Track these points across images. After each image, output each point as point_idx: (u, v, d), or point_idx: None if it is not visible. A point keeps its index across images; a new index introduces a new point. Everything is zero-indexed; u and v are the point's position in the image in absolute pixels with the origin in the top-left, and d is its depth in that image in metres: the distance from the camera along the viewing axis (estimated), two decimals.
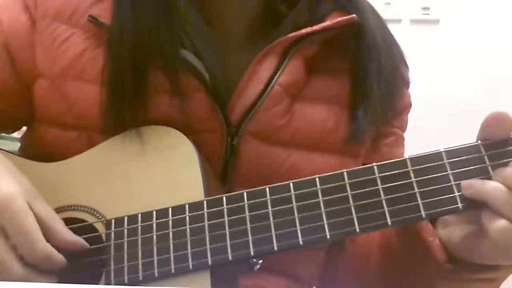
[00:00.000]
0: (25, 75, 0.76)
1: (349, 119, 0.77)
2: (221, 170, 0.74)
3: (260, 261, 0.65)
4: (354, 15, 0.75)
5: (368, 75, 0.77)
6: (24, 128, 0.85)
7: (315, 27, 0.74)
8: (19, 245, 0.60)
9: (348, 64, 0.79)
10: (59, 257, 0.63)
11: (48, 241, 0.62)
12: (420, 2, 2.18)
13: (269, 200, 0.63)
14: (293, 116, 0.75)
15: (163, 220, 0.65)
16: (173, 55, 0.71)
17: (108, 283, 0.64)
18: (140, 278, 0.63)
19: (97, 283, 0.65)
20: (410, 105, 0.86)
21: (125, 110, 0.71)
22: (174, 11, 0.73)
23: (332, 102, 0.78)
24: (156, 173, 0.68)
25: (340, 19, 0.75)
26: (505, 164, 0.59)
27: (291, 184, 0.63)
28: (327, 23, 0.74)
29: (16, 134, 0.89)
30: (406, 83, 0.85)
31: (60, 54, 0.74)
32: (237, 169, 0.74)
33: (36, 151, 0.73)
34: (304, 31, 0.74)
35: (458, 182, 0.60)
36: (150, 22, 0.72)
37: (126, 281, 0.64)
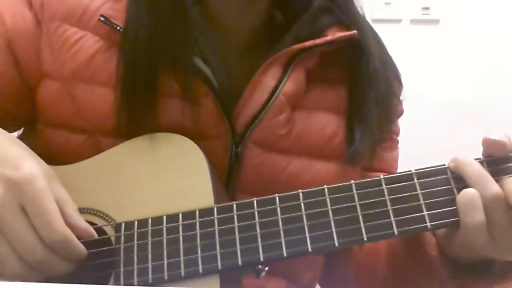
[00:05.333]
0: (29, 75, 0.76)
1: (346, 126, 0.80)
2: (225, 177, 0.76)
3: (266, 268, 0.66)
4: (355, 31, 0.77)
5: (366, 92, 0.79)
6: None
7: (318, 41, 0.76)
8: (38, 226, 0.61)
9: (344, 75, 0.81)
10: (78, 243, 0.63)
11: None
12: (420, 2, 2.18)
13: (278, 208, 0.64)
14: (293, 124, 0.77)
15: (173, 224, 0.65)
16: (186, 60, 0.72)
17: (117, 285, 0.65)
18: (150, 280, 0.64)
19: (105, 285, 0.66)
20: (403, 111, 0.89)
21: (137, 112, 0.72)
22: (187, 19, 0.74)
23: (329, 110, 0.80)
24: (166, 179, 0.69)
25: (342, 34, 0.77)
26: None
27: (300, 194, 0.65)
28: (329, 37, 0.77)
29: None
30: (399, 100, 0.87)
31: (70, 56, 0.75)
32: (240, 176, 0.76)
33: (40, 153, 0.73)
34: (307, 43, 0.75)
35: None
36: (166, 27, 0.72)
37: (135, 283, 0.64)
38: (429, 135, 1.94)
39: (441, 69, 2.12)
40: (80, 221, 0.65)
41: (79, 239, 0.64)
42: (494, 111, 2.05)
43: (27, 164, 0.63)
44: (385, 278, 0.79)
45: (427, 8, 2.19)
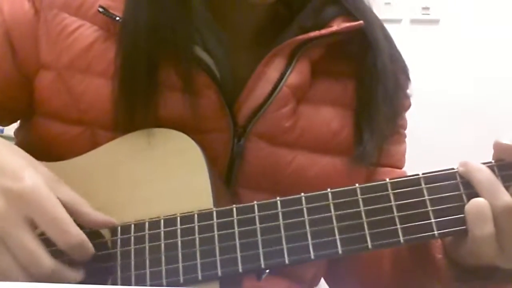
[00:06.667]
0: (26, 66, 0.75)
1: (353, 121, 0.78)
2: (226, 171, 0.74)
3: (267, 271, 0.64)
4: (361, 22, 0.75)
5: (374, 89, 0.77)
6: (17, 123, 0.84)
7: (323, 31, 0.74)
8: (51, 234, 0.59)
9: (351, 68, 0.79)
10: (90, 245, 0.61)
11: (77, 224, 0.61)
12: (420, 2, 2.18)
13: (280, 213, 0.62)
14: (298, 118, 0.76)
15: (171, 228, 0.64)
16: (187, 50, 0.71)
17: None
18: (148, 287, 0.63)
19: None
20: (410, 105, 0.88)
21: (136, 104, 0.70)
22: (189, 8, 0.72)
23: (336, 104, 0.78)
24: (163, 178, 0.68)
25: (348, 24, 0.75)
26: None
27: (303, 198, 0.63)
28: (334, 28, 0.75)
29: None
30: (406, 94, 0.86)
31: (67, 46, 0.73)
32: (242, 170, 0.74)
33: (35, 147, 0.72)
34: (312, 34, 0.74)
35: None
36: (166, 16, 0.71)
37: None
38: (429, 134, 1.93)
39: (441, 69, 2.12)
40: (100, 216, 0.64)
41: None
42: (494, 111, 2.05)
43: (28, 174, 0.60)
44: (390, 277, 0.78)
45: (427, 8, 2.19)
